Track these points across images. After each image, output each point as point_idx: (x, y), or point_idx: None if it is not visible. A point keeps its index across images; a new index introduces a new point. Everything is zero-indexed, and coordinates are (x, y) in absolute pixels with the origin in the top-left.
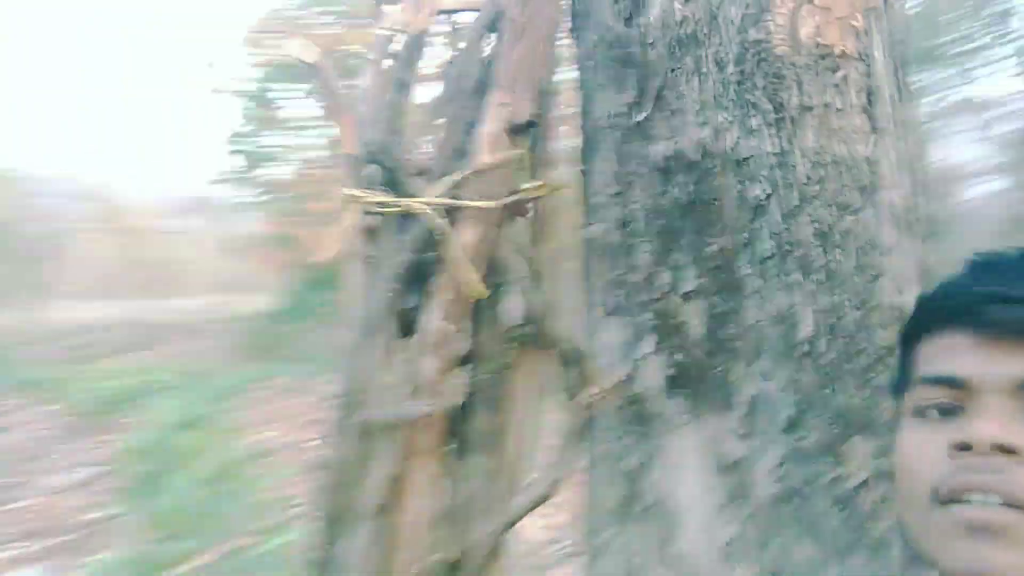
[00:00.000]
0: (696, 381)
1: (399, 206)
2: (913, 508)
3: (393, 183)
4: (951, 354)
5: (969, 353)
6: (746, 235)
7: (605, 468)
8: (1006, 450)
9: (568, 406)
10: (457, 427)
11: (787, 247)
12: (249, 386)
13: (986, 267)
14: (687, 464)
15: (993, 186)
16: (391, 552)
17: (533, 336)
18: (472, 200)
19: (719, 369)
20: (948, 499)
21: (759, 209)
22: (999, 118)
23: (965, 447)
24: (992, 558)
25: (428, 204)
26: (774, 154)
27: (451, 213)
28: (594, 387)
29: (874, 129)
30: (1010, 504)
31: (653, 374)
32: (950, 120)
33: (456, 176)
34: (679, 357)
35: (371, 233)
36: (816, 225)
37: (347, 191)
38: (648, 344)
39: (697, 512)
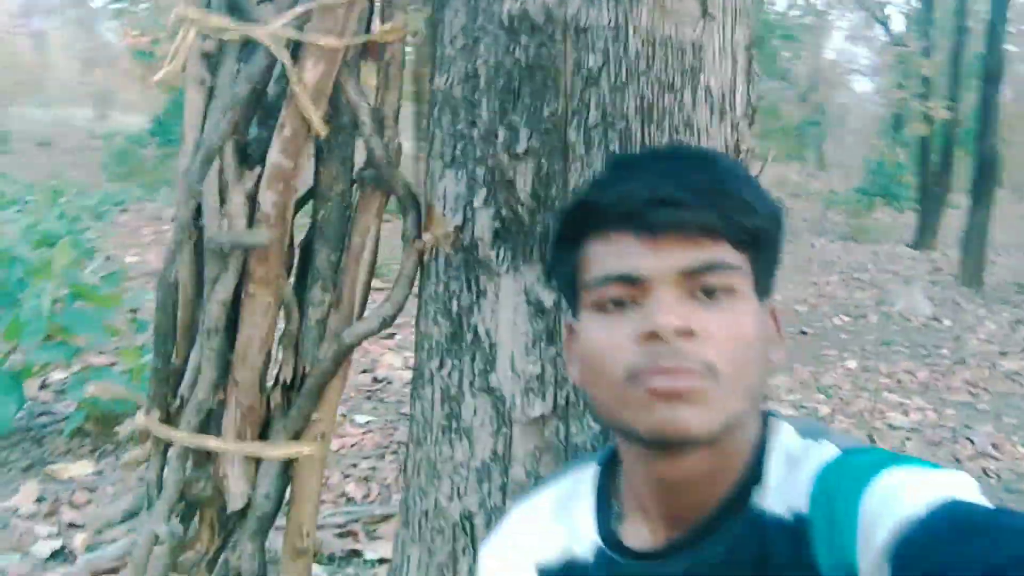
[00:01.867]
0: (518, 235)
1: (238, 33)
2: (609, 388)
3: (235, 7)
4: (621, 254)
5: (637, 252)
6: (577, 103)
7: (434, 307)
8: (685, 332)
9: (405, 249)
10: (300, 261)
11: (611, 119)
12: (110, 208)
13: (633, 169)
14: (506, 307)
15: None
16: (230, 369)
17: (374, 179)
18: (318, 36)
19: (540, 225)
20: (640, 379)
21: (590, 79)
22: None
23: (653, 335)
24: (684, 417)
25: (270, 34)
26: (611, 27)
27: (296, 47)
28: (429, 233)
29: (704, 14)
30: (692, 372)
31: (483, 225)
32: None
33: (302, 8)
34: (506, 212)
35: (210, 59)
36: (639, 101)
37: (182, 10)
38: (480, 197)
39: (510, 350)
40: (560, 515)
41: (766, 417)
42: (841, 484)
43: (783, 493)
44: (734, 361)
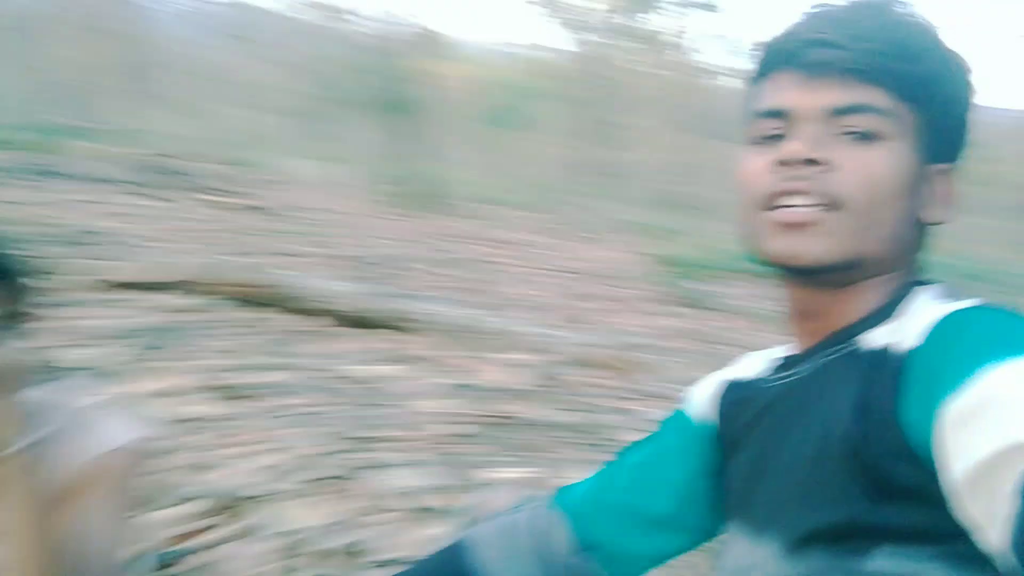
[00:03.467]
0: None
1: None
2: (745, 214)
3: None
4: (777, 90)
5: (791, 88)
6: None
7: None
8: (814, 162)
9: None
10: None
11: None
12: None
13: (817, 16)
14: None
15: None
16: None
17: None
18: None
19: None
20: (769, 205)
21: None
22: None
23: (783, 162)
24: (801, 245)
25: None
26: None
27: None
28: None
29: None
30: (817, 204)
31: None
32: None
33: None
34: None
35: None
36: None
37: None
38: None
39: None
40: (759, 355)
41: (915, 281)
42: (966, 335)
43: (894, 332)
44: (865, 200)
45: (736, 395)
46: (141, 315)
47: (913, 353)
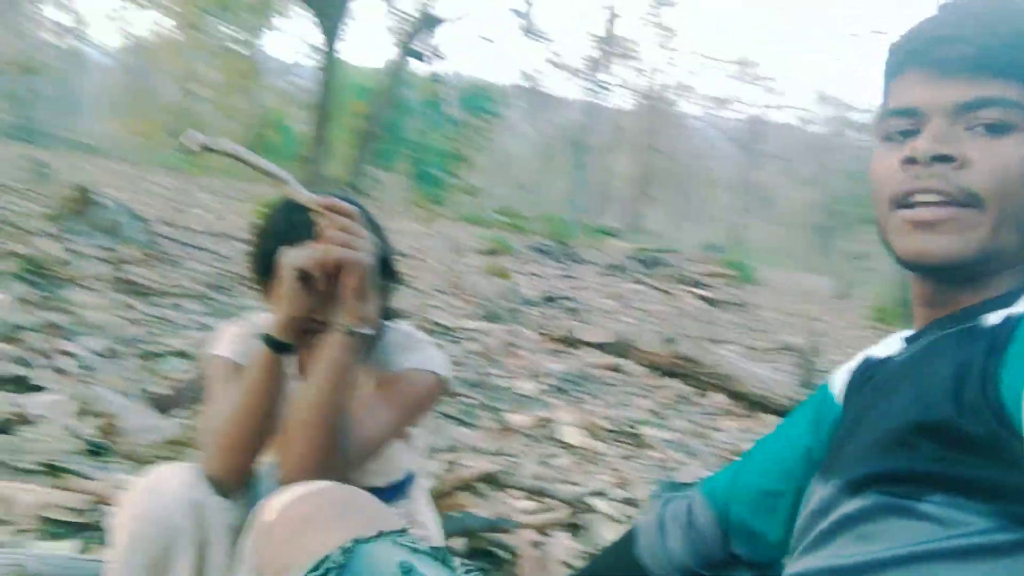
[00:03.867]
0: None
1: None
2: (879, 211)
3: None
4: (907, 88)
5: (920, 85)
6: None
7: None
8: (945, 158)
9: None
10: None
11: None
12: None
13: (943, 12)
14: None
15: None
16: None
17: None
18: None
19: None
20: (900, 203)
21: None
22: None
23: (911, 160)
24: (931, 244)
25: None
26: None
27: None
28: None
29: None
30: (946, 202)
31: None
32: None
33: None
34: None
35: None
36: None
37: None
38: None
39: None
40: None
41: None
42: None
43: (1012, 311)
44: (999, 194)
45: (863, 373)
46: (578, 365)
47: (1020, 321)
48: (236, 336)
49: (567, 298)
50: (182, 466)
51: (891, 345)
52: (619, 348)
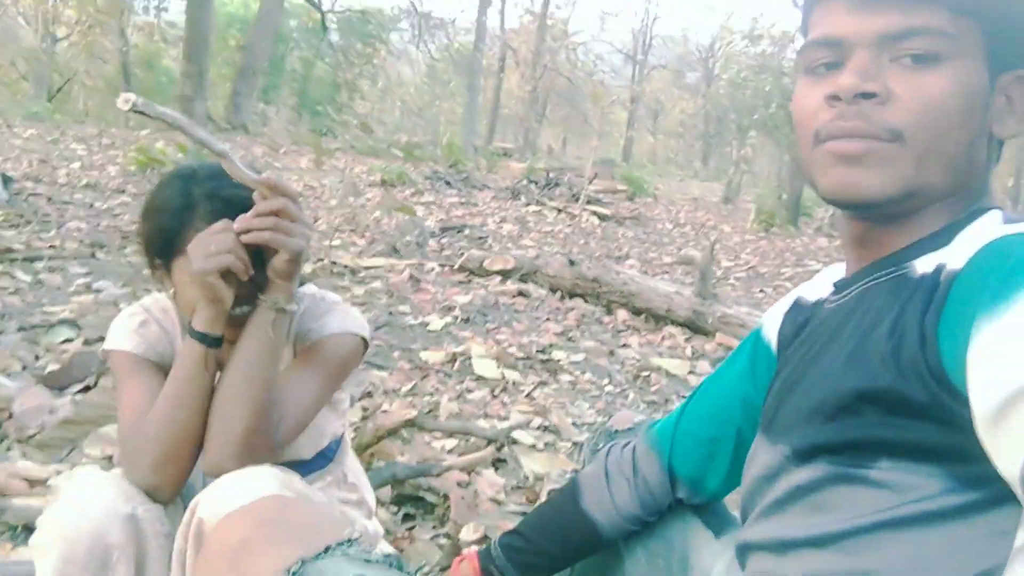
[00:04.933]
0: None
1: None
2: (803, 147)
3: None
4: (829, 17)
5: (844, 14)
6: None
7: None
8: (869, 95)
9: None
10: None
11: None
12: None
13: None
14: None
15: None
16: None
17: None
18: None
19: None
20: (824, 139)
21: None
22: None
23: (835, 97)
24: (855, 178)
25: None
26: None
27: None
28: None
29: None
30: (869, 136)
31: None
32: None
33: None
34: None
35: None
36: None
37: None
38: None
39: None
40: (832, 273)
41: (981, 208)
42: (1013, 258)
43: (943, 257)
44: (927, 128)
45: (795, 317)
46: (485, 295)
47: (960, 272)
48: (133, 326)
49: (468, 226)
50: (107, 476)
51: (821, 286)
52: (524, 274)
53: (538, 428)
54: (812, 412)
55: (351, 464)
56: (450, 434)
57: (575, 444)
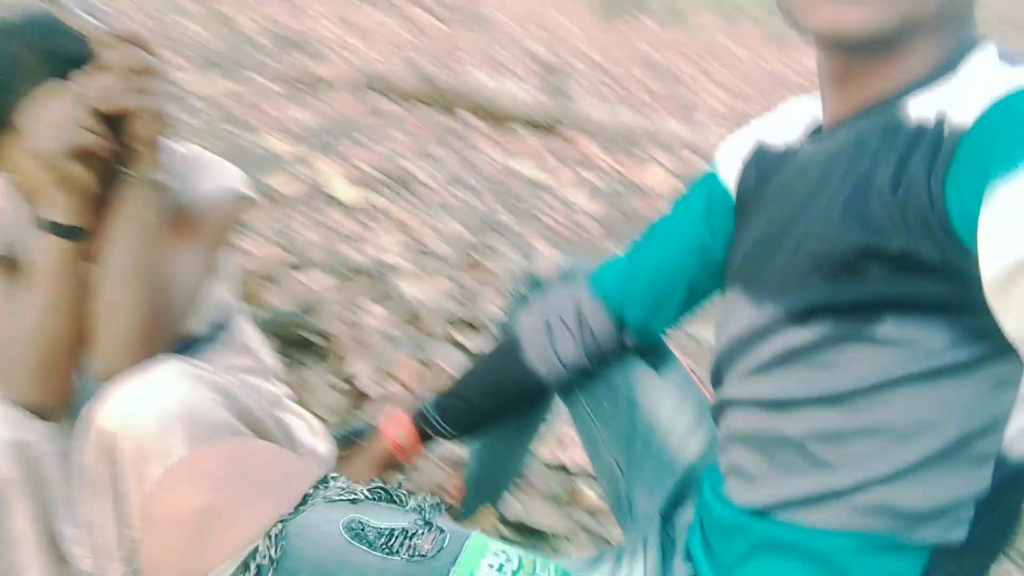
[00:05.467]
0: None
1: None
2: None
3: None
4: None
5: None
6: None
7: None
8: None
9: None
10: None
11: None
12: None
13: None
14: None
15: None
16: None
17: None
18: None
19: None
20: None
21: None
22: None
23: None
24: (845, 14)
25: None
26: None
27: None
28: None
29: None
30: None
31: None
32: None
33: None
34: None
35: None
36: None
37: None
38: None
39: None
40: (798, 113)
41: (970, 38)
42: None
43: (946, 101)
44: None
45: (763, 162)
46: (329, 112)
47: (970, 129)
48: None
49: (299, 35)
50: None
51: (787, 129)
52: (368, 84)
53: (414, 253)
54: (809, 270)
55: (246, 329)
56: (325, 271)
57: (447, 262)
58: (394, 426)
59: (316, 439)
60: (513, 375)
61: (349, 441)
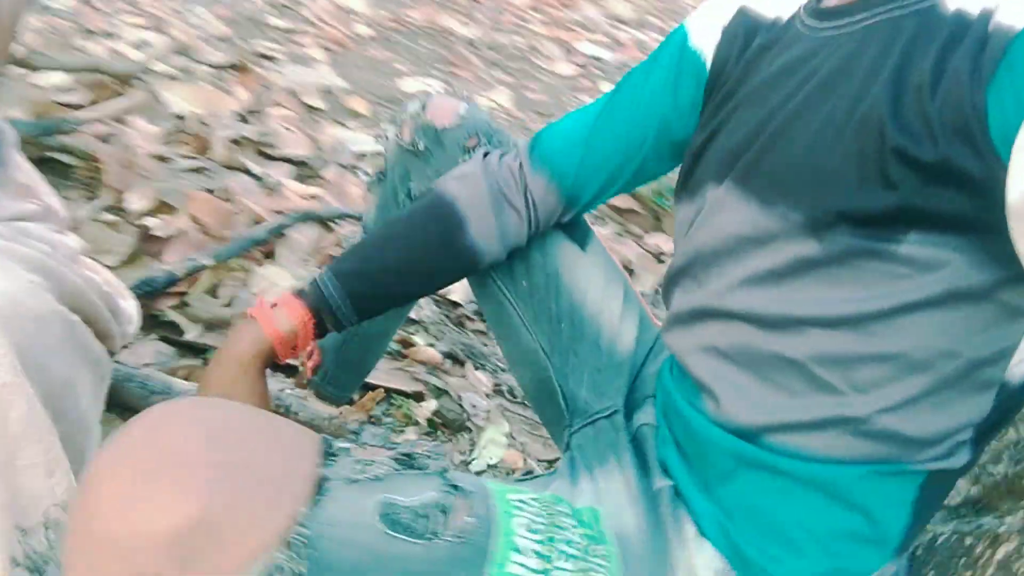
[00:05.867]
0: None
1: None
2: None
3: None
4: None
5: None
6: None
7: None
8: None
9: None
10: None
11: None
12: None
13: None
14: None
15: None
16: None
17: None
18: None
19: None
20: None
21: None
22: None
23: None
24: None
25: None
26: None
27: None
28: None
29: None
30: None
31: None
32: None
33: None
34: None
35: None
36: None
37: None
38: None
39: None
40: None
41: None
42: None
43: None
44: None
45: (751, 34)
46: None
47: (1021, 33)
48: None
49: None
50: None
51: (781, 4)
52: None
53: (169, 52)
54: (834, 173)
55: (19, 161)
56: (64, 70)
57: (216, 68)
58: (277, 314)
59: (126, 301)
60: (449, 253)
61: (149, 297)
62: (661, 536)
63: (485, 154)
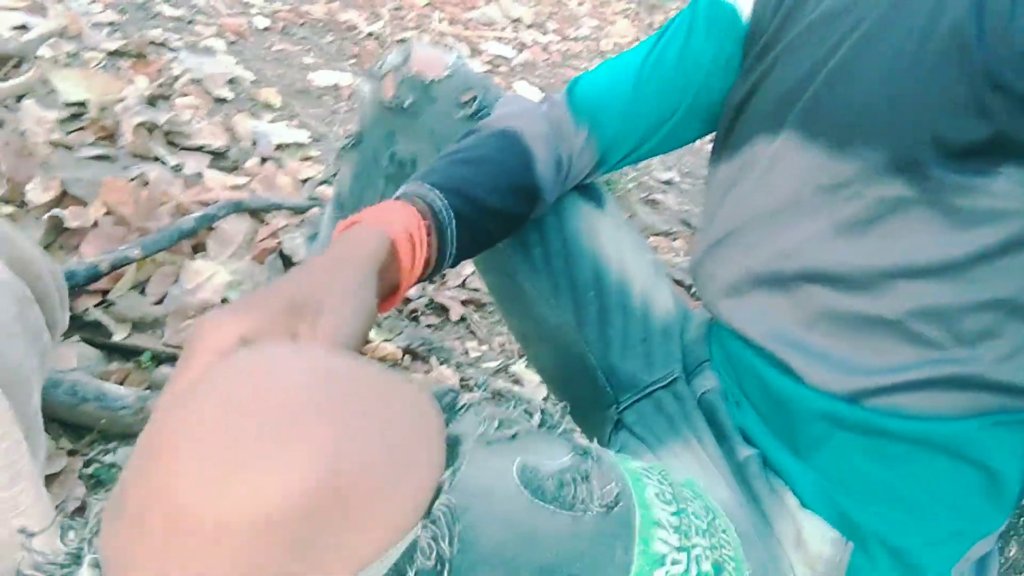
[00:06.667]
0: None
1: None
2: None
3: None
4: None
5: None
6: None
7: None
8: None
9: None
10: None
11: None
12: None
13: None
14: None
15: None
16: None
17: None
18: None
19: None
20: None
21: None
22: None
23: None
24: None
25: None
26: None
27: None
28: None
29: None
30: None
31: None
32: None
33: None
34: None
35: None
36: None
37: None
38: None
39: None
40: None
41: None
42: None
43: None
44: None
45: None
46: None
47: None
48: None
49: None
50: None
51: None
52: None
53: (54, 35)
54: (917, 100)
55: None
56: None
57: (107, 55)
58: (400, 215)
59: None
60: (522, 185)
61: (69, 294)
62: (758, 509)
63: (478, 111)
